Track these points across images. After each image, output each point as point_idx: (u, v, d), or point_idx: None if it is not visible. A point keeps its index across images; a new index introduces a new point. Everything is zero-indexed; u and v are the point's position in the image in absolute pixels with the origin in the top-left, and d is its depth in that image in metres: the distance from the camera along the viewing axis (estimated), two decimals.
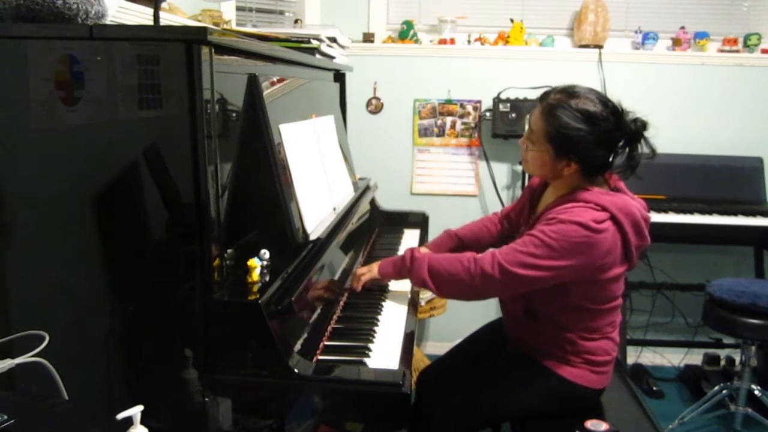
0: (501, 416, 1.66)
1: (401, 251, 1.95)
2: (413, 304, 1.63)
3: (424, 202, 3.03)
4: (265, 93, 1.36)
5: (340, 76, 2.42)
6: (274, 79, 1.50)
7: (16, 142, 1.09)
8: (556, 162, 1.47)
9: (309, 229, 1.45)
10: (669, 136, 2.84)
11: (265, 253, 1.24)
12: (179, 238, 1.10)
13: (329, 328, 1.44)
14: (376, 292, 1.67)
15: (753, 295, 2.26)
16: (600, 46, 2.93)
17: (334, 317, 1.50)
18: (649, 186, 2.52)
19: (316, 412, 1.16)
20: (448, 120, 3.06)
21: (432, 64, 3.01)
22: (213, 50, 1.07)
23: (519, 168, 3.05)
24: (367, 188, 2.25)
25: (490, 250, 1.47)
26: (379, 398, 1.15)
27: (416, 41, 3.02)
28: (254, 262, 1.19)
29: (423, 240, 2.30)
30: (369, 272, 1.64)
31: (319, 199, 1.59)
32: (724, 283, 2.38)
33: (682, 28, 2.97)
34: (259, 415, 1.16)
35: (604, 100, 1.45)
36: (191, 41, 1.02)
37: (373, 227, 2.32)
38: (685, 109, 2.98)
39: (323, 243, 1.48)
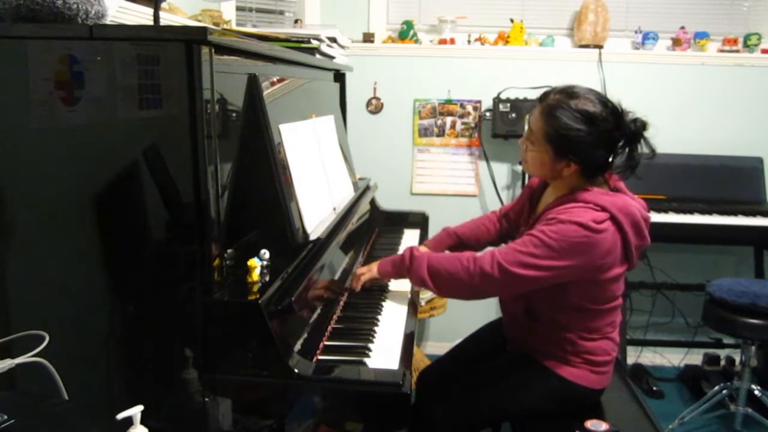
0: (501, 416, 1.66)
1: (401, 251, 1.95)
2: (413, 304, 1.63)
3: (424, 202, 3.03)
4: (265, 93, 1.36)
5: (340, 76, 2.42)
6: (274, 79, 1.50)
7: (16, 142, 1.09)
8: (555, 162, 1.47)
9: (309, 229, 1.45)
10: (669, 136, 2.84)
11: (265, 253, 1.24)
12: (179, 238, 1.10)
13: (329, 328, 1.44)
14: (376, 292, 1.67)
15: (753, 295, 2.26)
16: (600, 46, 2.93)
17: (334, 317, 1.50)
18: (649, 186, 2.52)
19: (316, 412, 1.16)
20: (448, 120, 3.06)
21: (432, 64, 3.01)
22: (213, 50, 1.07)
23: (519, 168, 3.05)
24: (367, 188, 2.25)
25: (490, 249, 1.47)
26: (379, 398, 1.15)
27: (416, 41, 3.02)
28: (254, 262, 1.19)
29: (423, 240, 2.30)
30: (369, 272, 1.64)
31: (319, 199, 1.59)
32: (724, 283, 2.38)
33: (682, 28, 2.97)
34: (259, 415, 1.16)
35: (603, 101, 1.45)
36: (191, 41, 1.02)
37: (373, 227, 2.32)
38: (685, 109, 2.98)
39: (323, 243, 1.48)
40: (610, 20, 2.92)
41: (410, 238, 2.31)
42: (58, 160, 1.10)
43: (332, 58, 2.19)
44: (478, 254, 1.47)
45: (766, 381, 2.61)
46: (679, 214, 2.69)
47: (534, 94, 2.79)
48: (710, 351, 3.01)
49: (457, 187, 3.11)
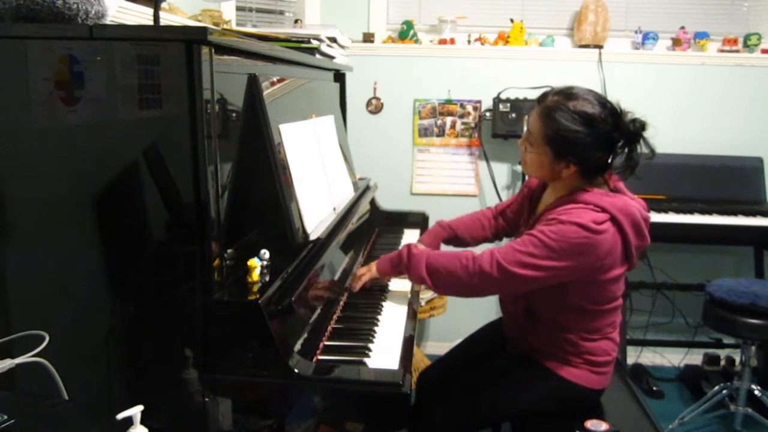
0: (501, 416, 1.66)
1: None
2: (413, 305, 1.63)
3: (424, 202, 3.03)
4: (265, 93, 1.36)
5: (340, 76, 2.42)
6: (274, 79, 1.50)
7: (16, 142, 1.09)
8: (554, 163, 1.47)
9: (309, 229, 1.45)
10: (669, 136, 2.84)
11: (265, 253, 1.24)
12: (179, 238, 1.10)
13: (329, 328, 1.44)
14: (376, 292, 1.67)
15: (753, 295, 2.26)
16: (600, 46, 2.93)
17: (334, 317, 1.50)
18: (649, 186, 2.52)
19: (316, 412, 1.16)
20: (448, 120, 3.06)
21: (432, 64, 3.01)
22: (213, 50, 1.07)
23: (519, 168, 3.05)
24: (367, 188, 2.25)
25: (489, 248, 1.46)
26: (379, 398, 1.15)
27: (416, 41, 3.02)
28: (254, 262, 1.19)
29: None
30: (368, 271, 1.64)
31: (319, 199, 1.59)
32: (724, 283, 2.38)
33: (682, 28, 2.97)
34: (259, 415, 1.16)
35: (602, 102, 1.45)
36: (191, 41, 1.02)
37: (373, 227, 2.33)
38: (685, 109, 2.98)
39: (323, 243, 1.48)
40: (610, 20, 2.92)
41: (410, 238, 2.31)
42: (58, 160, 1.10)
43: (332, 58, 2.19)
44: (477, 253, 1.47)
45: (766, 381, 2.61)
46: (679, 214, 2.69)
47: (534, 94, 2.77)
48: (710, 351, 3.01)
49: (457, 187, 3.11)
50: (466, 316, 2.65)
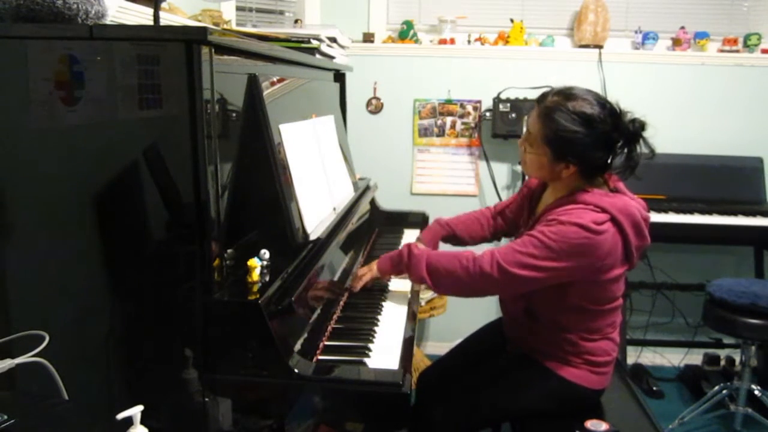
0: (501, 416, 1.66)
1: None
2: (413, 305, 1.63)
3: (424, 202, 3.03)
4: (265, 93, 1.36)
5: (340, 76, 2.42)
6: (274, 79, 1.50)
7: (16, 142, 1.09)
8: (554, 164, 1.47)
9: (309, 229, 1.45)
10: (669, 136, 2.84)
11: (265, 253, 1.24)
12: (179, 238, 1.10)
13: (329, 328, 1.44)
14: (376, 292, 1.67)
15: (753, 295, 2.26)
16: (600, 46, 2.93)
17: (334, 317, 1.50)
18: (649, 186, 2.52)
19: (316, 412, 1.16)
20: (448, 120, 3.06)
21: (432, 64, 3.01)
22: (213, 50, 1.07)
23: (519, 168, 3.05)
24: (367, 188, 2.25)
25: (489, 249, 1.46)
26: (379, 398, 1.15)
27: (416, 41, 3.02)
28: (254, 262, 1.19)
29: None
30: (369, 271, 1.64)
31: (319, 199, 1.59)
32: (724, 283, 2.38)
33: (682, 28, 2.97)
34: (259, 415, 1.16)
35: (601, 102, 1.45)
36: (191, 41, 1.02)
37: (373, 227, 2.33)
38: (685, 109, 2.98)
39: (323, 243, 1.48)
40: (610, 20, 2.92)
41: (410, 238, 2.30)
42: (58, 160, 1.10)
43: (332, 58, 2.19)
44: (478, 253, 1.47)
45: (766, 381, 2.61)
46: (679, 214, 2.69)
47: (534, 94, 2.77)
48: (710, 351, 3.01)
49: (457, 187, 3.11)
50: (466, 316, 2.65)
